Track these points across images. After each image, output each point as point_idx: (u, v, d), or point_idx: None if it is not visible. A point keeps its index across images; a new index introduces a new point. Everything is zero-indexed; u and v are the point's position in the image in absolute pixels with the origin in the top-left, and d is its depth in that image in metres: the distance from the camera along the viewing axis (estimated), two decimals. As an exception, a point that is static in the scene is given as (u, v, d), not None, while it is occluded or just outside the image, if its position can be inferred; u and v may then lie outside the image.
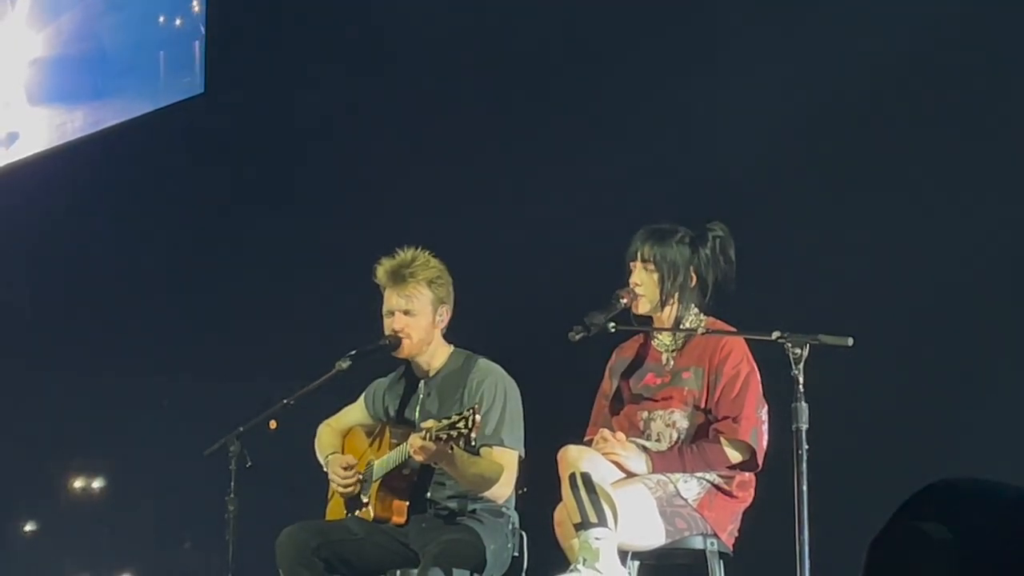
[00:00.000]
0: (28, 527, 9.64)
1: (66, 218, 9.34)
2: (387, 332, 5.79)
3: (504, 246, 7.44)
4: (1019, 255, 6.36)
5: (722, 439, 5.28)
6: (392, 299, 5.79)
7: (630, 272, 5.51)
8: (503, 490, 5.59)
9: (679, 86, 7.23)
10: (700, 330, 5.39)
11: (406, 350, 5.80)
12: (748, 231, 5.70)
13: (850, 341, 5.04)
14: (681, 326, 5.47)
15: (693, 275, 5.48)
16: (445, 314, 5.84)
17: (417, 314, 5.78)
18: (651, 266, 5.48)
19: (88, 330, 9.14)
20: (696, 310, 5.50)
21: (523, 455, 5.69)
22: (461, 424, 5.18)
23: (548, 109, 7.75)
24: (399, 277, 5.76)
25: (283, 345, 8.00)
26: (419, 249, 5.82)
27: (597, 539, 4.97)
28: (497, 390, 5.69)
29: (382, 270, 5.81)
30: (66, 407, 9.05)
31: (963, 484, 1.79)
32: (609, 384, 5.63)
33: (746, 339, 5.37)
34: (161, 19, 9.59)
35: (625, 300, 5.45)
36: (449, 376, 5.83)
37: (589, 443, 5.39)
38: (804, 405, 4.95)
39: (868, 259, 6.65)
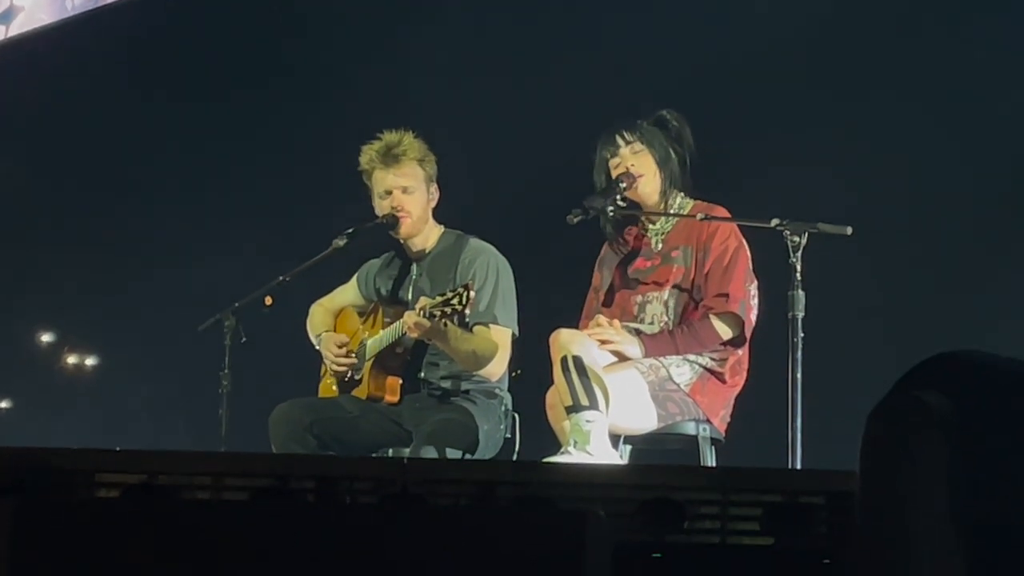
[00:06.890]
0: (14, 402, 9.64)
1: (63, 94, 9.27)
2: (385, 212, 5.78)
3: (505, 128, 7.39)
4: (1018, 143, 6.36)
5: (711, 315, 5.28)
6: (388, 179, 5.77)
7: (613, 171, 5.46)
8: (497, 367, 5.62)
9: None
10: (699, 216, 5.36)
11: (405, 228, 5.79)
12: (750, 119, 5.67)
13: (849, 230, 5.05)
14: (669, 205, 5.44)
15: (671, 152, 5.46)
16: (435, 193, 5.85)
17: (414, 192, 5.77)
18: (638, 146, 5.45)
19: (84, 206, 9.11)
20: (682, 194, 5.48)
21: (516, 333, 5.70)
22: (455, 300, 5.20)
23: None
24: (392, 157, 5.76)
25: (281, 222, 7.97)
26: (402, 131, 5.80)
27: (588, 422, 4.97)
28: (489, 268, 5.69)
29: (372, 152, 5.80)
30: (60, 282, 9.03)
31: (965, 355, 1.79)
32: (599, 277, 5.62)
33: (746, 226, 5.35)
34: None
35: (624, 184, 5.41)
36: (441, 255, 5.82)
37: (583, 331, 5.39)
38: (801, 293, 4.98)
39: (869, 149, 6.63)
